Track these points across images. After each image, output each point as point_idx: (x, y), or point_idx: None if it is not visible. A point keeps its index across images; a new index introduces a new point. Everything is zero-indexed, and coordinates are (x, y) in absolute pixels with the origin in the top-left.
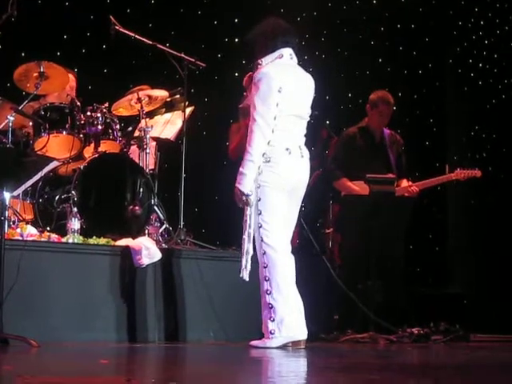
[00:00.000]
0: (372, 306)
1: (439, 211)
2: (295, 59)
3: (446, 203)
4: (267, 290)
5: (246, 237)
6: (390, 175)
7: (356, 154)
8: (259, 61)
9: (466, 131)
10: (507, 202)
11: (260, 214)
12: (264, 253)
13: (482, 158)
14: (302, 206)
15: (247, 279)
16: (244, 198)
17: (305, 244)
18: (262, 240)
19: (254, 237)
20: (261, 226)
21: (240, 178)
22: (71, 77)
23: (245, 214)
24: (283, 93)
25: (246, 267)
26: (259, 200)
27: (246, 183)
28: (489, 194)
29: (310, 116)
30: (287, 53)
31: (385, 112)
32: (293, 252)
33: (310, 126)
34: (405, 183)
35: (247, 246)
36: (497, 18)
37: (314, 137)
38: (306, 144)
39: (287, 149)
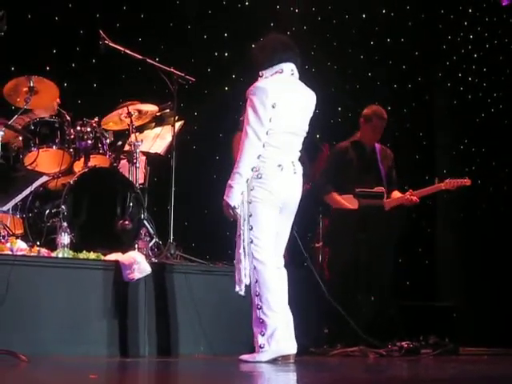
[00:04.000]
0: (362, 320)
1: (428, 225)
2: (296, 75)
3: (434, 217)
4: (258, 304)
5: (241, 251)
6: (379, 189)
7: (347, 167)
8: (260, 73)
9: (456, 144)
10: (496, 215)
11: (251, 229)
12: (254, 268)
13: (471, 171)
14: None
15: (244, 294)
16: (231, 210)
17: (295, 256)
18: (252, 255)
19: None
20: (252, 242)
21: (228, 191)
22: None
23: (238, 229)
24: (277, 109)
25: (243, 281)
26: (250, 216)
27: (233, 196)
28: (478, 208)
29: (307, 132)
30: (288, 68)
31: (378, 126)
32: (285, 266)
33: (310, 142)
34: (397, 194)
35: (244, 261)
36: (486, 32)
37: (314, 152)
38: (299, 159)
39: (279, 165)
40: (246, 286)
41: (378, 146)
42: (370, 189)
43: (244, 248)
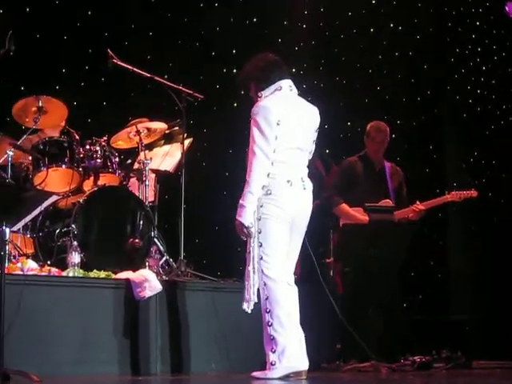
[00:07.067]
0: (373, 334)
1: (440, 238)
2: (295, 90)
3: (446, 229)
4: (268, 321)
5: (250, 269)
6: (388, 201)
7: (355, 181)
8: (259, 94)
9: (465, 157)
10: (508, 228)
11: (261, 246)
12: (265, 284)
13: (481, 184)
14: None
15: (249, 311)
16: (245, 229)
17: (308, 274)
18: (262, 272)
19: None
20: (261, 258)
21: (240, 211)
22: None
23: (248, 246)
24: (282, 126)
25: (251, 299)
26: (260, 232)
27: (246, 215)
28: (489, 220)
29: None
30: (286, 84)
31: (377, 139)
32: (296, 282)
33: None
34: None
35: (253, 278)
36: (494, 45)
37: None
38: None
39: (288, 181)
40: (254, 303)
41: (387, 163)
42: (377, 203)
43: (253, 265)
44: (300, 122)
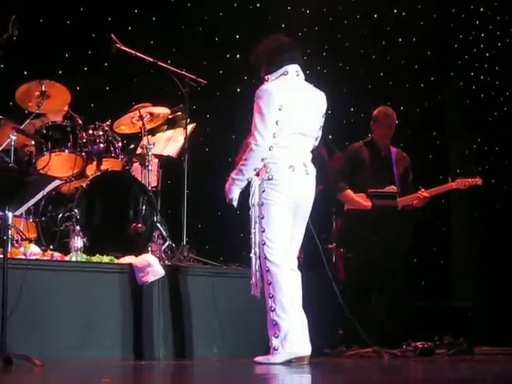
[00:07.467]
0: (376, 320)
1: (443, 224)
2: (302, 75)
3: (449, 216)
4: (271, 306)
5: (252, 255)
6: (393, 187)
7: (361, 167)
8: (265, 77)
9: (469, 144)
10: (510, 214)
11: (264, 231)
12: (267, 270)
13: (484, 170)
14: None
15: (259, 296)
16: (228, 199)
17: (311, 259)
18: (265, 257)
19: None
20: (264, 244)
21: (229, 183)
22: None
23: (250, 232)
24: (284, 111)
25: (256, 285)
26: (262, 218)
27: (234, 190)
28: (492, 206)
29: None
30: (293, 69)
31: (384, 123)
32: (299, 267)
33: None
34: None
35: (255, 264)
36: (497, 31)
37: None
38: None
39: (291, 166)
40: (261, 288)
41: (393, 149)
42: (382, 188)
43: (255, 251)
44: (307, 107)
